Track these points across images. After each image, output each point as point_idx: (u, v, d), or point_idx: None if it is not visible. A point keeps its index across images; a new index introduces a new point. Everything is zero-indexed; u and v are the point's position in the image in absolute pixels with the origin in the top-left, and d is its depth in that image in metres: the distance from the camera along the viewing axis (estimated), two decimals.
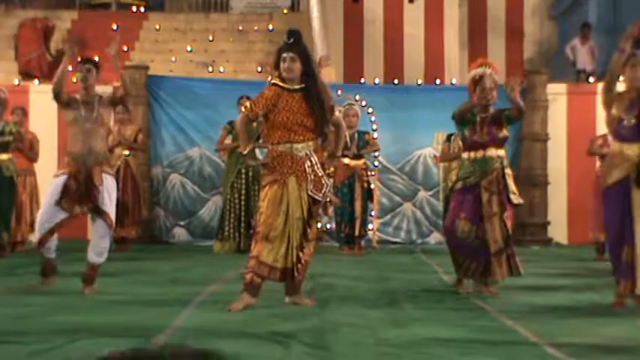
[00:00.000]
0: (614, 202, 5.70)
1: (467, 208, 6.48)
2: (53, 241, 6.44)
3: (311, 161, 5.73)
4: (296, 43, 5.77)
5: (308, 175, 5.69)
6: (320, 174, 5.75)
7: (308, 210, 5.69)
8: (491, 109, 6.58)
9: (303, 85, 5.75)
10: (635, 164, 5.60)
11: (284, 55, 5.74)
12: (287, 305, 5.72)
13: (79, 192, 6.35)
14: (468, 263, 6.49)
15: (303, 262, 5.71)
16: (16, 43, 14.25)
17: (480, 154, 6.53)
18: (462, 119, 6.58)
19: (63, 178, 6.38)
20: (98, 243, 6.45)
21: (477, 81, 6.56)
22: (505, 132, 6.56)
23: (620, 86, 5.88)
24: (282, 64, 5.74)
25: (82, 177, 6.35)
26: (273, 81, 5.82)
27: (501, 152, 6.57)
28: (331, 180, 10.34)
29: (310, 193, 5.68)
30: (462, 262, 6.52)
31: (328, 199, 5.89)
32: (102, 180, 6.37)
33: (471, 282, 6.64)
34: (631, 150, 5.64)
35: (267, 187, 5.72)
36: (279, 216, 5.63)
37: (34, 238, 6.58)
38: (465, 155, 6.66)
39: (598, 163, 10.04)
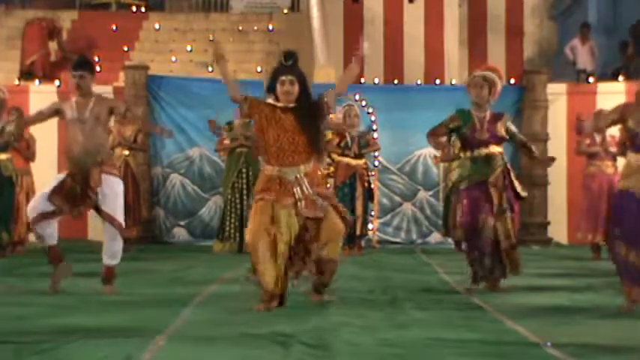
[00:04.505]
0: (625, 204, 5.70)
1: (483, 205, 6.52)
2: (50, 228, 6.33)
3: (300, 186, 5.63)
4: (294, 65, 5.70)
5: (298, 201, 5.60)
6: (313, 197, 5.62)
7: (299, 232, 5.60)
8: (488, 109, 6.63)
9: (296, 104, 5.69)
10: None
11: (283, 78, 5.65)
12: (287, 305, 5.71)
13: (73, 192, 6.32)
14: (481, 258, 6.54)
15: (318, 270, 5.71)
16: (22, 41, 14.22)
17: (483, 152, 6.59)
18: (436, 136, 6.73)
19: (62, 176, 6.39)
20: (110, 246, 6.44)
21: (470, 81, 6.74)
22: (503, 132, 6.62)
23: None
24: (279, 87, 5.66)
25: (80, 178, 6.34)
26: (268, 101, 5.76)
27: (501, 149, 6.65)
28: (332, 179, 10.43)
29: (304, 212, 5.58)
30: (477, 258, 6.56)
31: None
32: (100, 181, 6.32)
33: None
34: None
35: (257, 204, 5.67)
36: (265, 237, 5.55)
37: (34, 237, 6.57)
38: (468, 154, 6.68)
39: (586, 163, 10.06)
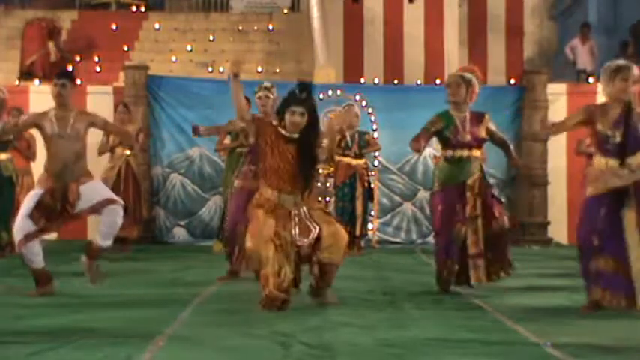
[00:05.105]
0: (593, 212, 5.66)
1: (458, 210, 6.49)
2: (34, 253, 6.26)
3: (298, 211, 5.66)
4: (307, 97, 5.72)
5: (293, 223, 5.61)
6: (307, 222, 5.64)
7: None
8: (468, 110, 6.61)
9: (300, 136, 5.71)
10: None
11: (294, 108, 5.68)
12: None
13: (53, 208, 6.28)
14: (451, 264, 6.52)
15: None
16: (22, 41, 14.23)
17: (465, 153, 6.55)
18: (420, 141, 6.60)
19: (39, 193, 6.29)
20: (110, 225, 6.34)
21: (447, 80, 6.75)
22: (484, 133, 6.60)
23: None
24: (289, 116, 5.68)
25: (59, 194, 6.28)
26: (274, 123, 5.79)
27: (479, 154, 6.62)
28: (332, 179, 10.44)
29: (297, 240, 5.60)
30: (450, 265, 6.54)
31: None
32: (78, 196, 6.26)
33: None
34: (615, 164, 5.64)
35: (256, 213, 5.68)
36: (269, 243, 5.55)
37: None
38: (448, 154, 6.61)
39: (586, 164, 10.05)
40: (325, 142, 5.77)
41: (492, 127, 6.71)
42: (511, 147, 6.82)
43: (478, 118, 6.61)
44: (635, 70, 5.71)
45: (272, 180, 5.71)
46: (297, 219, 5.64)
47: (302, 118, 5.68)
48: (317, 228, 5.63)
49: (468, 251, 6.46)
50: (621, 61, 5.80)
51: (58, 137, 6.32)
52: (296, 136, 5.71)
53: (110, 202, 6.32)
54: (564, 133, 11.61)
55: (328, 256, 5.66)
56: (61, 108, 6.39)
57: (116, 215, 6.34)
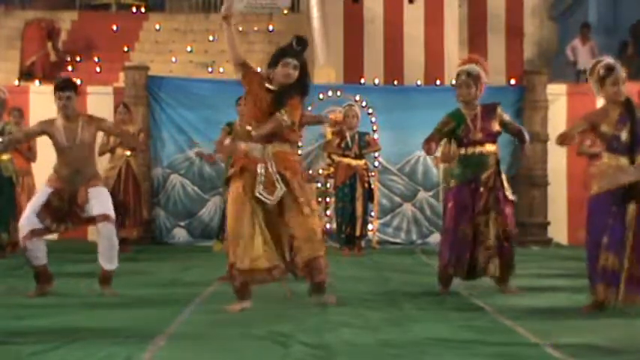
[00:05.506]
0: (602, 209, 5.66)
1: (469, 207, 6.48)
2: (39, 249, 6.27)
3: (266, 164, 5.58)
4: (302, 51, 5.68)
5: (259, 177, 5.55)
6: (274, 178, 5.56)
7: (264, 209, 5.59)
8: (478, 106, 6.60)
9: (280, 89, 5.64)
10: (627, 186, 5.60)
11: (288, 60, 5.63)
12: (287, 305, 5.72)
13: (60, 209, 6.29)
14: (455, 262, 6.50)
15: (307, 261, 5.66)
16: (22, 42, 14.24)
17: (477, 149, 6.55)
18: (431, 144, 6.56)
19: (48, 191, 6.32)
20: (108, 248, 6.34)
21: (456, 79, 6.66)
22: (497, 127, 6.59)
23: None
24: (282, 68, 5.62)
25: (67, 196, 6.30)
26: (262, 74, 5.79)
27: (494, 148, 6.61)
28: (332, 180, 10.45)
29: (259, 195, 5.53)
30: (454, 262, 6.52)
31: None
32: (87, 199, 6.29)
33: (459, 281, 6.67)
34: (625, 162, 5.64)
35: (232, 183, 5.66)
36: (247, 220, 5.53)
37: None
38: (461, 152, 6.62)
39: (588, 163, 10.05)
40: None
41: (506, 117, 6.69)
42: (526, 135, 6.79)
43: (490, 112, 6.60)
44: (621, 71, 5.72)
45: (244, 128, 5.66)
46: (263, 171, 5.56)
47: (294, 71, 5.62)
48: (283, 188, 5.56)
49: (479, 245, 6.46)
50: (607, 62, 5.78)
51: (68, 149, 6.35)
52: (276, 88, 5.63)
53: (105, 217, 6.32)
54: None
55: (309, 253, 5.62)
56: (67, 119, 6.39)
57: (110, 235, 6.34)
